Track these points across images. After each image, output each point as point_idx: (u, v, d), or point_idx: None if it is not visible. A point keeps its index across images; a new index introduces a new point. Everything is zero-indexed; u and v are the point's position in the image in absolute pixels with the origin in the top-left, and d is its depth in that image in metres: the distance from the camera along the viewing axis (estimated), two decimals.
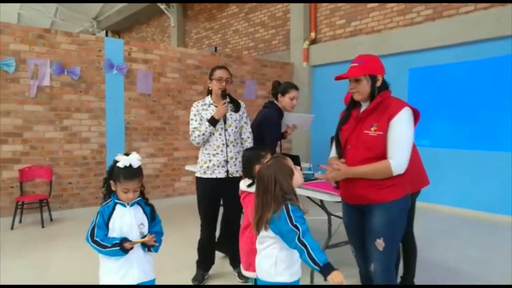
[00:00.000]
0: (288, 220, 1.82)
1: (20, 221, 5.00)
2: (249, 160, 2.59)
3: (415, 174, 2.77)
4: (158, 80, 6.38)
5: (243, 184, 2.55)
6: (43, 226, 4.84)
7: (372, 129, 2.13)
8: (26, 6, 13.92)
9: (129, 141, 6.11)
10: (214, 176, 3.12)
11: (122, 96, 6.02)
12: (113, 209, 2.05)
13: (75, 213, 5.46)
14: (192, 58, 6.78)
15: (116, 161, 2.05)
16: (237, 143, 3.21)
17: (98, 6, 13.39)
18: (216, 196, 3.22)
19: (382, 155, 2.12)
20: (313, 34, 7.98)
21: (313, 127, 8.20)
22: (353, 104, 2.34)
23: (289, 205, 1.85)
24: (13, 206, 4.88)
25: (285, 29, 8.77)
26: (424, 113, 6.56)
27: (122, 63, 5.97)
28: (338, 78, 2.27)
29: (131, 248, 1.99)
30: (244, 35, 9.90)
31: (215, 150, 3.11)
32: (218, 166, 3.11)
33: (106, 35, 6.31)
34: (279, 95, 3.53)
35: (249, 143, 3.31)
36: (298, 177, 1.99)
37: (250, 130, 3.34)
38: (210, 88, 3.20)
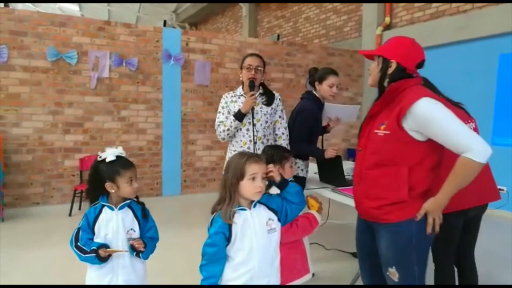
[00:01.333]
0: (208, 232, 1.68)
1: (80, 208, 5.19)
2: (269, 159, 2.22)
3: (478, 183, 2.18)
4: (216, 70, 6.24)
5: None
6: None
7: (382, 127, 1.76)
8: (114, 3, 14.86)
9: (185, 133, 6.06)
10: None
11: (179, 87, 5.97)
12: (100, 212, 1.86)
13: None
14: (252, 47, 6.51)
15: (103, 159, 1.84)
16: (267, 140, 2.86)
17: None
18: None
19: (391, 161, 1.73)
20: (387, 19, 7.20)
21: None
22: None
23: (218, 217, 1.67)
24: (73, 194, 5.09)
25: (358, 15, 8.08)
26: None
27: (179, 53, 5.91)
28: (360, 52, 2.06)
29: (109, 256, 1.80)
30: (315, 22, 9.38)
31: (241, 147, 2.81)
32: None
33: (164, 25, 6.27)
34: (316, 83, 3.08)
35: (283, 140, 2.94)
36: (247, 188, 1.67)
37: (285, 125, 2.97)
38: (241, 78, 2.91)
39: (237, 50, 6.36)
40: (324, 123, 3.27)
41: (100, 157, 1.84)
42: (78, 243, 1.81)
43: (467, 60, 5.92)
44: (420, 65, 1.83)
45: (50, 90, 5.13)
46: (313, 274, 3.20)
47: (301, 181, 3.15)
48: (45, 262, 3.46)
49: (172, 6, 14.68)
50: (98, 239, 1.83)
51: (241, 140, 2.81)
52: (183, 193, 6.13)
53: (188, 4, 13.99)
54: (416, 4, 6.81)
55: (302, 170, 3.13)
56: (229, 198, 1.66)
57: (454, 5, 6.19)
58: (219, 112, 2.89)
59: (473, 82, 5.72)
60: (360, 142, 1.92)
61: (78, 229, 1.85)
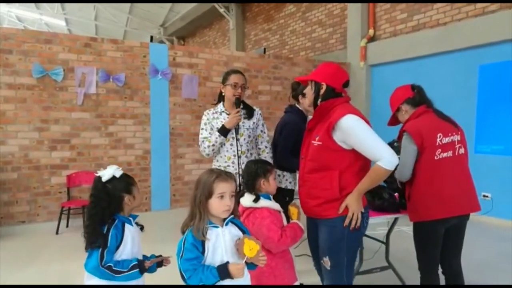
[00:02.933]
0: (180, 253, 1.66)
1: (67, 226, 5.13)
2: (254, 174, 2.26)
3: (454, 195, 2.29)
4: (203, 84, 6.28)
5: (247, 200, 2.23)
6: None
7: (317, 138, 2.10)
8: (100, 18, 14.90)
9: (174, 147, 6.07)
10: None
11: (167, 102, 5.99)
12: (123, 230, 1.85)
13: None
14: (239, 61, 6.58)
15: (112, 177, 1.86)
16: (251, 154, 2.91)
17: (164, 13, 13.86)
18: None
19: (325, 166, 2.06)
20: (371, 31, 7.36)
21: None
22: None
23: (190, 232, 1.67)
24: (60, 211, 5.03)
25: (342, 27, 8.23)
26: (497, 116, 5.62)
27: (166, 68, 5.94)
28: (297, 79, 2.51)
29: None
30: (302, 35, 9.51)
31: (226, 162, 2.84)
32: None
33: (151, 40, 6.31)
34: (300, 96, 3.13)
35: (267, 153, 3.00)
36: (215, 206, 1.69)
37: (268, 139, 3.04)
38: (222, 93, 2.93)
39: (224, 64, 6.41)
40: None
41: (104, 176, 1.84)
42: (109, 264, 1.76)
43: (448, 71, 6.05)
44: (346, 84, 2.16)
45: (35, 107, 5.11)
46: (302, 285, 3.23)
47: (289, 193, 3.18)
48: (34, 282, 3.40)
49: (160, 20, 14.75)
50: (123, 255, 1.83)
51: (225, 155, 2.85)
52: (173, 207, 6.10)
53: (175, 18, 14.07)
54: (399, 17, 6.98)
55: (290, 182, 3.17)
56: (199, 215, 1.67)
57: (434, 17, 6.36)
58: (202, 129, 2.92)
59: (455, 92, 5.84)
60: (302, 151, 2.26)
61: (102, 250, 1.76)
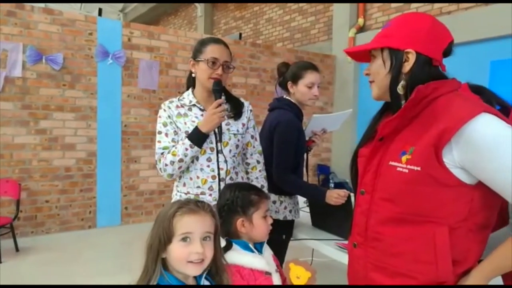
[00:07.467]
0: None
1: None
2: (228, 207, 1.40)
3: None
4: (165, 72, 5.16)
5: None
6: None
7: (404, 158, 1.05)
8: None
9: (126, 149, 4.91)
10: None
11: (119, 92, 4.84)
12: None
13: (53, 239, 4.31)
14: None
15: None
16: (236, 174, 1.83)
17: None
18: None
19: (423, 216, 1.04)
20: (361, 20, 6.47)
21: (359, 135, 6.75)
22: (385, 109, 1.32)
23: None
24: None
25: (326, 15, 7.31)
26: None
27: (119, 50, 4.78)
28: (347, 51, 1.28)
29: None
30: (279, 24, 8.54)
31: (200, 187, 1.77)
32: None
33: (100, 14, 5.12)
34: (289, 84, 2.18)
35: (259, 172, 1.95)
36: (177, 255, 1.08)
37: (260, 149, 1.98)
38: (193, 75, 1.84)
39: (191, 49, 5.28)
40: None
41: None
42: None
43: (454, 67, 5.20)
44: (448, 51, 1.16)
45: None
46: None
47: (288, 227, 2.19)
48: None
49: (119, 4, 13.41)
50: None
51: (197, 177, 1.76)
52: (124, 223, 4.96)
53: (137, 3, 12.81)
54: (393, 5, 6.13)
55: (290, 211, 2.17)
56: (149, 270, 1.09)
57: (437, 5, 5.55)
58: (160, 133, 1.80)
59: None
60: (363, 180, 1.19)
61: None
